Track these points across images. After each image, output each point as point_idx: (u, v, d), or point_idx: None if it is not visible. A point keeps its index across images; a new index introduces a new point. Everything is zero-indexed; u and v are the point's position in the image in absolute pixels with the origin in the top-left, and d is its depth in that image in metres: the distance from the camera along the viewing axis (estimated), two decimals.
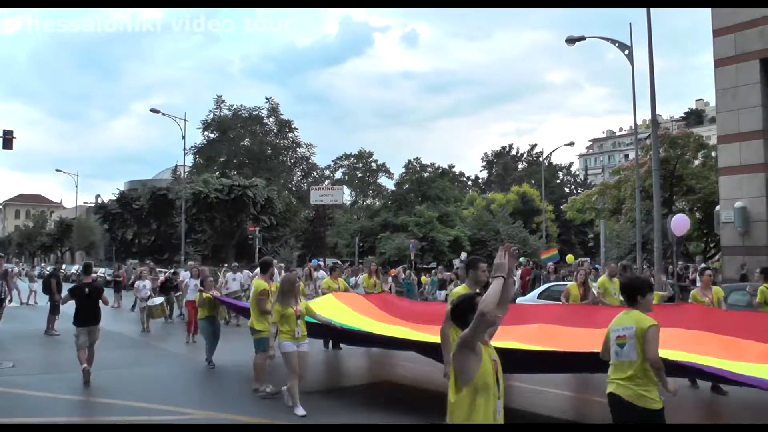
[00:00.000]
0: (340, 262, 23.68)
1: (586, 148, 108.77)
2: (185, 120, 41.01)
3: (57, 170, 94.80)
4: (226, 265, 25.91)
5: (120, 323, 18.25)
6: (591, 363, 6.08)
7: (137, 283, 18.42)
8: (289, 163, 70.71)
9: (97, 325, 10.16)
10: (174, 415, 7.94)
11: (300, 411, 7.79)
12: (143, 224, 60.52)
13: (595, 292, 11.28)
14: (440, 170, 62.94)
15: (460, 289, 6.38)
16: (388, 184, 69.05)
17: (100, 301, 10.20)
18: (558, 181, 74.47)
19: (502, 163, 78.85)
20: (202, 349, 13.15)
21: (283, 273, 18.39)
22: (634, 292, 4.83)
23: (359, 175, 71.82)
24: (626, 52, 20.29)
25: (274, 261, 22.08)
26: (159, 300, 16.91)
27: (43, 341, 14.99)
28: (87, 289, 10.17)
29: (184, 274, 18.47)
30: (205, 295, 11.32)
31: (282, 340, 7.90)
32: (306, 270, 17.49)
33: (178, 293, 19.35)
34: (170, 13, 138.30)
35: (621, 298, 6.48)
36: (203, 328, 11.59)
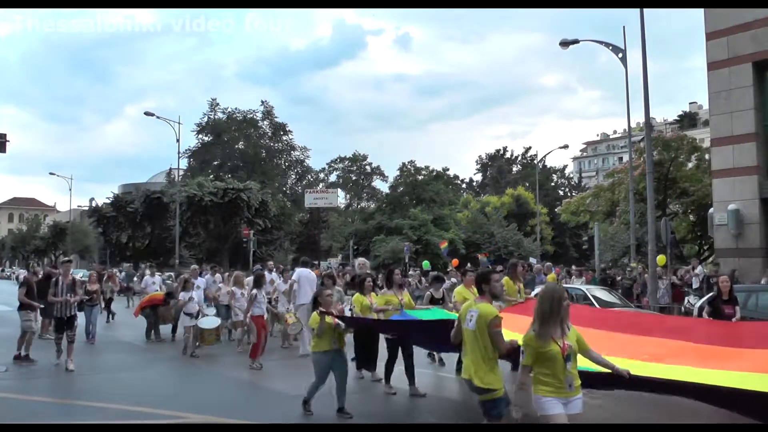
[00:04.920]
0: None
1: (580, 150, 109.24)
2: (179, 123, 40.95)
3: (51, 174, 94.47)
4: (208, 266, 23.54)
5: (121, 328, 18.14)
6: None
7: (181, 294, 13.90)
8: (284, 166, 70.73)
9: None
10: (170, 419, 7.90)
11: None
12: (137, 228, 60.34)
13: None
14: (434, 173, 63.03)
15: None
16: (383, 187, 69.33)
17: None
18: (552, 184, 74.67)
19: (496, 165, 79.00)
20: (206, 355, 13.06)
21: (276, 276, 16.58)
22: None
23: (353, 178, 71.93)
24: (620, 55, 20.36)
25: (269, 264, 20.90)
26: (214, 321, 13.36)
27: (37, 345, 14.86)
28: None
29: (200, 281, 15.69)
30: (328, 319, 8.00)
31: (541, 396, 4.87)
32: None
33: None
34: (170, 14, 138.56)
35: None
36: (323, 366, 8.13)
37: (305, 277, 13.20)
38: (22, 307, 12.46)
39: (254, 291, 12.20)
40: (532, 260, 34.68)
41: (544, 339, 4.83)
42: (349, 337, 8.74)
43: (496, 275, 6.18)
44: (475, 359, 5.64)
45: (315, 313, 8.09)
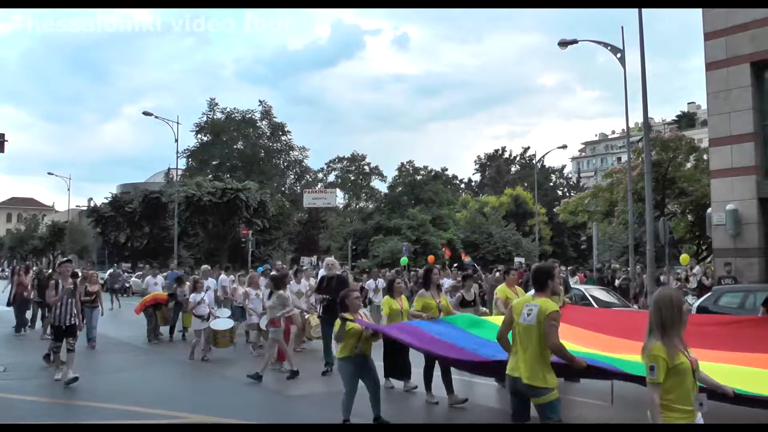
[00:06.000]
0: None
1: (579, 150, 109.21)
2: (178, 123, 40.95)
3: (49, 173, 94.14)
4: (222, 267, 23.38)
5: (118, 328, 18.11)
6: None
7: (192, 296, 13.20)
8: (282, 166, 70.72)
9: None
10: (168, 419, 7.90)
11: None
12: (136, 227, 60.32)
13: None
14: (433, 173, 63.02)
15: None
16: (381, 187, 69.23)
17: None
18: (551, 184, 74.80)
19: (495, 165, 79.05)
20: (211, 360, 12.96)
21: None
22: None
23: (352, 178, 71.81)
24: (618, 55, 20.37)
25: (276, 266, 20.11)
26: (227, 322, 12.66)
27: (35, 345, 14.85)
28: None
29: (211, 282, 15.33)
30: (351, 325, 7.33)
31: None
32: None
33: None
34: (170, 14, 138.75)
35: None
36: (348, 374, 7.41)
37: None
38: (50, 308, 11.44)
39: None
40: (518, 260, 34.75)
41: (673, 351, 4.00)
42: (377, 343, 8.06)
43: (558, 269, 5.87)
44: (533, 356, 5.22)
45: (339, 319, 7.47)
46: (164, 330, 16.13)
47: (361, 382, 7.41)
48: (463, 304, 10.29)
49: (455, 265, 36.09)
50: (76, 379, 9.76)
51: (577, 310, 9.63)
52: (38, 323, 17.32)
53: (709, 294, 13.93)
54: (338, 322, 7.38)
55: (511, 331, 5.48)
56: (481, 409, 8.75)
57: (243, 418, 7.88)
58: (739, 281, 16.22)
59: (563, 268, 27.65)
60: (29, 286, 17.16)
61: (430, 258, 37.44)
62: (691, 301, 15.38)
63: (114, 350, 14.31)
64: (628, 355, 6.36)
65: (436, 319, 8.59)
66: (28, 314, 17.62)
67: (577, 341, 6.89)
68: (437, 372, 8.71)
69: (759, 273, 17.41)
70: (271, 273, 15.07)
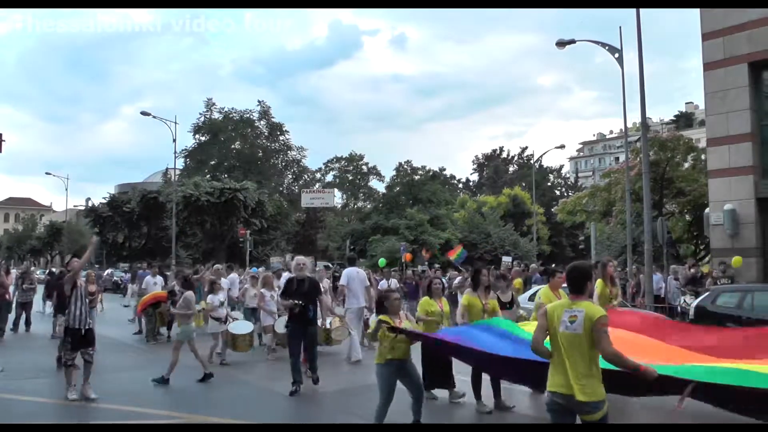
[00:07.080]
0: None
1: (577, 150, 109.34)
2: (176, 123, 40.94)
3: (47, 173, 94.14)
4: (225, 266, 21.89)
5: (118, 328, 18.06)
6: None
7: (209, 297, 12.55)
8: (280, 166, 70.82)
9: None
10: (164, 419, 7.90)
11: None
12: (134, 228, 60.30)
13: None
14: (431, 173, 63.08)
15: None
16: (379, 186, 69.32)
17: None
18: (549, 184, 74.90)
19: (492, 165, 79.20)
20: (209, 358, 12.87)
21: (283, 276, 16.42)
22: None
23: (350, 178, 71.91)
24: (616, 55, 20.39)
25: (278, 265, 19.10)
26: (247, 326, 12.08)
27: (33, 345, 14.82)
28: None
29: (224, 282, 14.60)
30: (384, 326, 6.81)
31: None
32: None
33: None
34: (170, 14, 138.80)
35: None
36: (385, 379, 6.86)
37: (354, 277, 11.68)
38: (62, 309, 11.21)
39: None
40: (506, 259, 34.64)
41: None
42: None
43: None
44: (585, 369, 4.56)
45: (379, 317, 6.97)
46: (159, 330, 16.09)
47: (402, 386, 6.99)
48: (499, 306, 9.42)
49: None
50: (95, 399, 8.74)
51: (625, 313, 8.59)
52: (38, 325, 17.25)
53: (707, 294, 13.92)
54: (377, 325, 6.90)
55: (549, 341, 4.83)
56: (513, 416, 8.40)
57: (243, 418, 7.88)
58: (735, 281, 16.25)
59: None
60: (10, 287, 16.66)
61: (407, 256, 36.83)
62: (689, 301, 15.42)
63: (114, 350, 14.23)
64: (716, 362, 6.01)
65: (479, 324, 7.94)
66: (10, 317, 16.90)
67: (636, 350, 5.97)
68: (485, 376, 8.32)
69: (757, 273, 17.47)
70: (183, 274, 14.21)
